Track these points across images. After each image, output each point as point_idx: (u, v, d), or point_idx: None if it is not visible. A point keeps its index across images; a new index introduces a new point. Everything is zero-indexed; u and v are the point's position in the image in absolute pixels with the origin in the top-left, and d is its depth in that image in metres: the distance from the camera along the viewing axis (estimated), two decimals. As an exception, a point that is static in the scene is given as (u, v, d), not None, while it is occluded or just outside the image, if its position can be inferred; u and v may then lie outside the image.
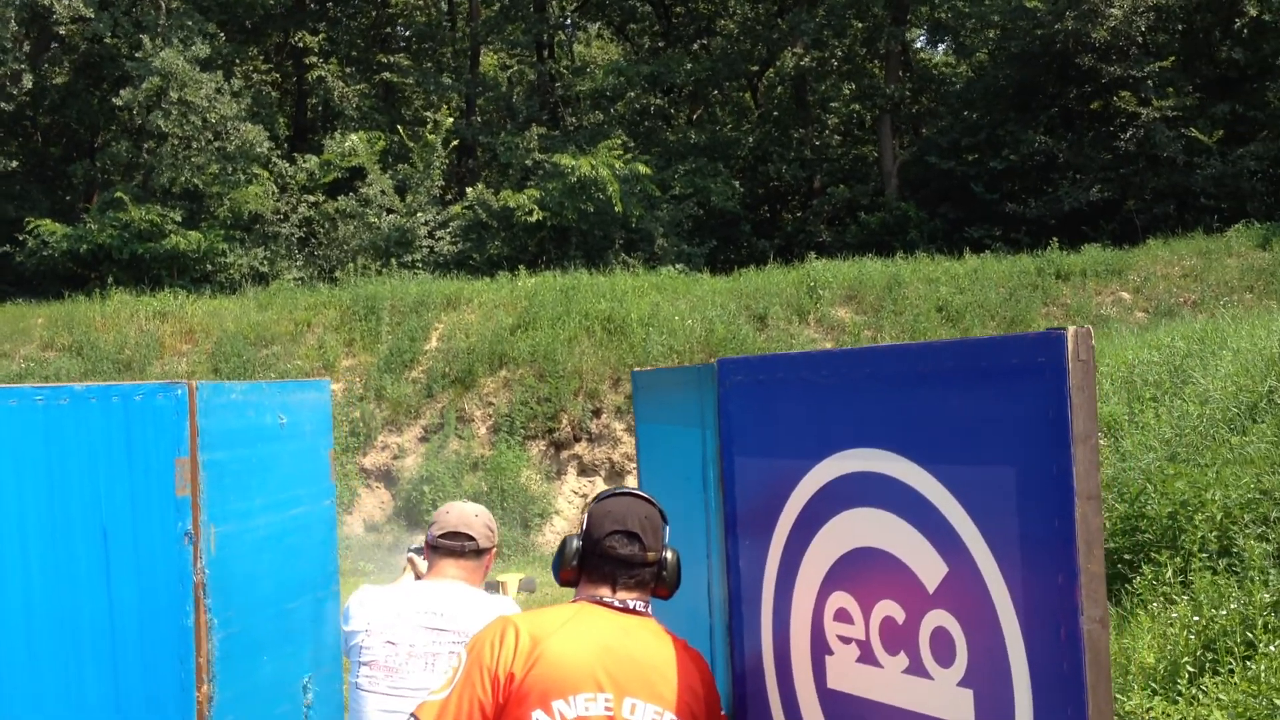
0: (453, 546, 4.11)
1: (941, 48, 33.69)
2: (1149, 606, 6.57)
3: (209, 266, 22.92)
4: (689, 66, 29.06)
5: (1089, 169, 25.81)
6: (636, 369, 4.51)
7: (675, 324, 19.20)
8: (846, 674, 2.55)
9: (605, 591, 2.93)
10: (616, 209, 23.52)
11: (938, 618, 2.32)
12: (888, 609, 2.44)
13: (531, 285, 21.29)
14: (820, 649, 2.62)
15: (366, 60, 30.36)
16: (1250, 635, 5.75)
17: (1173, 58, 25.57)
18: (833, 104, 31.94)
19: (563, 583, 3.04)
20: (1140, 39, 25.71)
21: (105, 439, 3.83)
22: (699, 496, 3.13)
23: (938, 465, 2.31)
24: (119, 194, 22.24)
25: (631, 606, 2.90)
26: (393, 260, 23.43)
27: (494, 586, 14.42)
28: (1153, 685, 5.84)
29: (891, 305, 20.09)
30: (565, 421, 18.78)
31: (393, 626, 4.01)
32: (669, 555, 2.98)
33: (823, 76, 30.68)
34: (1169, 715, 5.54)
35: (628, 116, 29.73)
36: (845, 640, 2.55)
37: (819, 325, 19.94)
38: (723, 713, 2.92)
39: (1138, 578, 6.89)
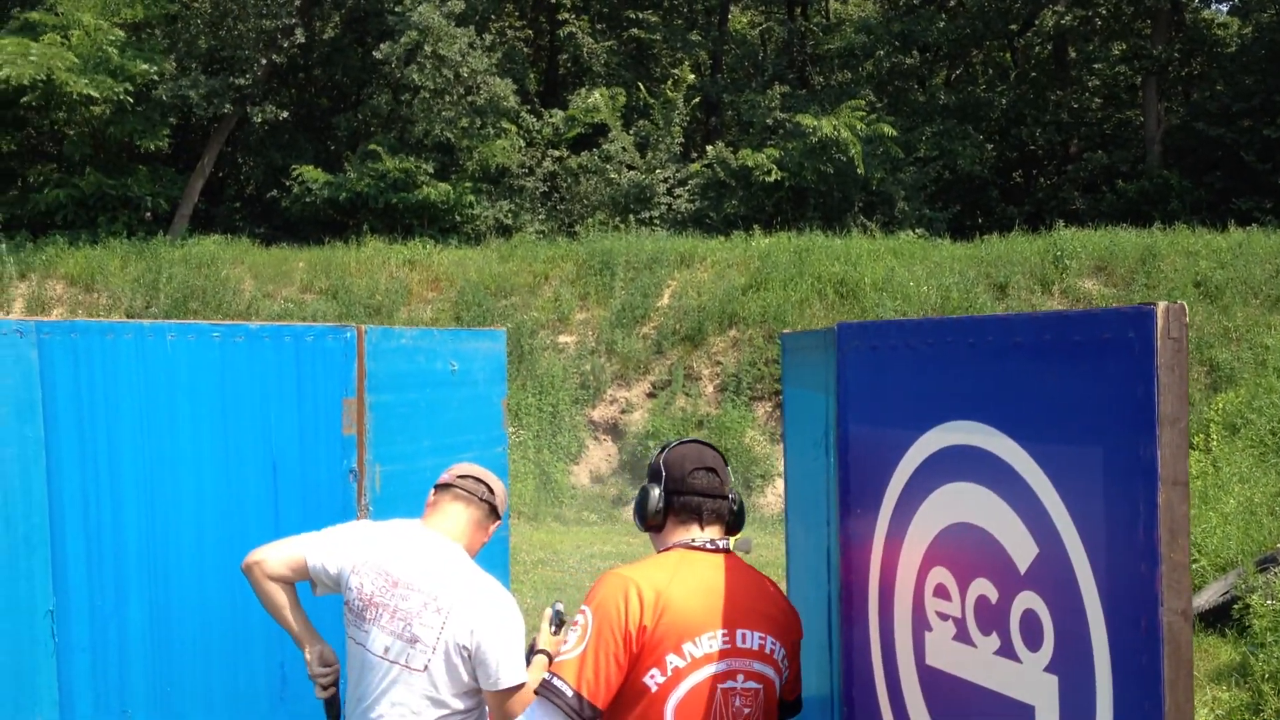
0: (470, 489, 3.66)
1: (1223, 6, 31.58)
2: None
3: (457, 217, 23.72)
4: (942, 25, 28.20)
5: (1375, 138, 23.85)
6: (786, 331, 4.38)
7: (909, 290, 18.78)
8: (944, 652, 2.48)
9: (694, 530, 3.12)
10: (859, 170, 23.12)
11: (1028, 599, 2.23)
12: (982, 587, 2.35)
13: (765, 245, 21.19)
14: (920, 625, 2.55)
15: (617, 16, 30.69)
16: None
17: None
18: (1095, 65, 30.43)
19: (647, 528, 3.22)
20: None
21: (277, 377, 4.04)
22: (823, 462, 3.08)
23: (1031, 441, 2.20)
24: (374, 145, 23.24)
25: (720, 546, 3.11)
26: (630, 216, 23.71)
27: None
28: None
29: (1144, 279, 19.09)
30: (792, 383, 18.65)
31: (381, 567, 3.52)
32: (737, 493, 3.21)
33: (1086, 36, 29.26)
34: None
35: (876, 76, 29.11)
36: (944, 617, 2.47)
37: (1063, 296, 19.14)
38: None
39: None
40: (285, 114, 23.98)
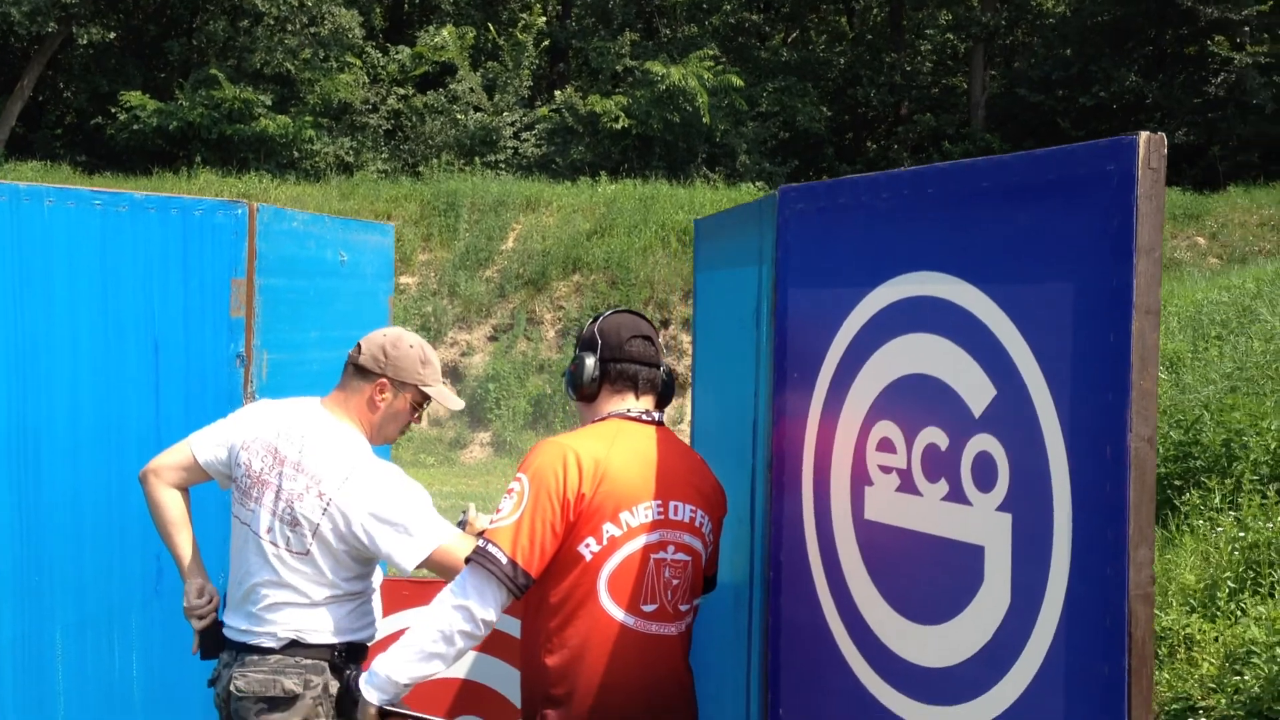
0: (349, 357, 3.38)
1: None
2: (1195, 529, 6.50)
3: (295, 153, 23.02)
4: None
5: (1177, 112, 25.16)
6: (698, 217, 4.34)
7: (753, 239, 19.01)
8: (885, 505, 2.49)
9: (630, 400, 3.08)
10: (704, 120, 23.25)
11: (981, 442, 2.25)
12: (931, 436, 2.37)
13: (611, 192, 21.16)
14: (860, 481, 2.56)
15: (466, -46, 30.17)
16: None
17: (1272, 1, 24.67)
18: (928, 30, 31.21)
19: (581, 399, 3.14)
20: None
21: (162, 251, 3.83)
22: (750, 336, 3.06)
23: (993, 285, 2.21)
24: (213, 71, 22.33)
25: (655, 418, 3.09)
26: (476, 159, 23.39)
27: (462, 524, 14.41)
28: (1191, 603, 5.76)
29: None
30: (635, 329, 18.71)
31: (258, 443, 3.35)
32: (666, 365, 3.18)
33: (918, 4, 29.98)
34: (1205, 632, 5.46)
35: (722, 30, 29.29)
36: (886, 470, 2.48)
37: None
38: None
39: (1185, 503, 6.80)
40: (113, 36, 22.86)
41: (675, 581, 2.96)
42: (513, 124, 24.38)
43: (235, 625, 3.26)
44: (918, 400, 2.41)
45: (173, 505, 3.33)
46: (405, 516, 3.17)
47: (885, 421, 2.50)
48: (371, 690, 2.87)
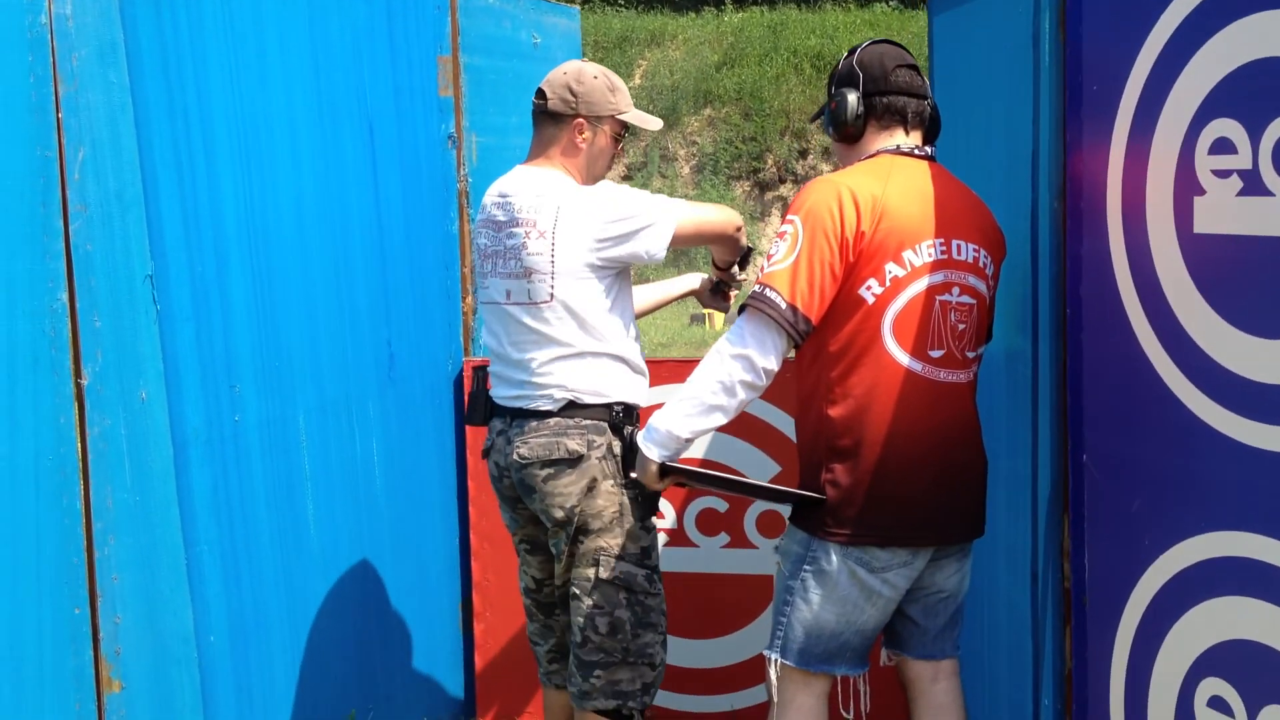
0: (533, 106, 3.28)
1: None
2: None
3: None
4: None
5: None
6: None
7: (889, 61, 18.38)
8: (1223, 213, 2.25)
9: (899, 135, 2.88)
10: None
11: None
12: (1286, 125, 2.11)
13: (738, 21, 20.61)
14: (1188, 190, 2.32)
15: None
16: None
17: None
18: None
19: (842, 139, 2.94)
20: None
21: (369, 29, 3.70)
22: (1026, 60, 2.81)
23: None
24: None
25: (928, 153, 2.89)
26: (595, -4, 22.89)
27: (699, 319, 14.31)
28: None
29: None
30: (770, 162, 18.40)
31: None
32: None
33: None
34: None
35: None
36: (1223, 174, 2.24)
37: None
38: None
39: None
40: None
41: (961, 326, 2.78)
42: (631, -43, 23.75)
43: (506, 394, 3.21)
44: (1267, 89, 2.15)
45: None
46: (631, 209, 3.09)
47: (1222, 120, 2.25)
48: (651, 446, 2.77)
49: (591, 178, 3.26)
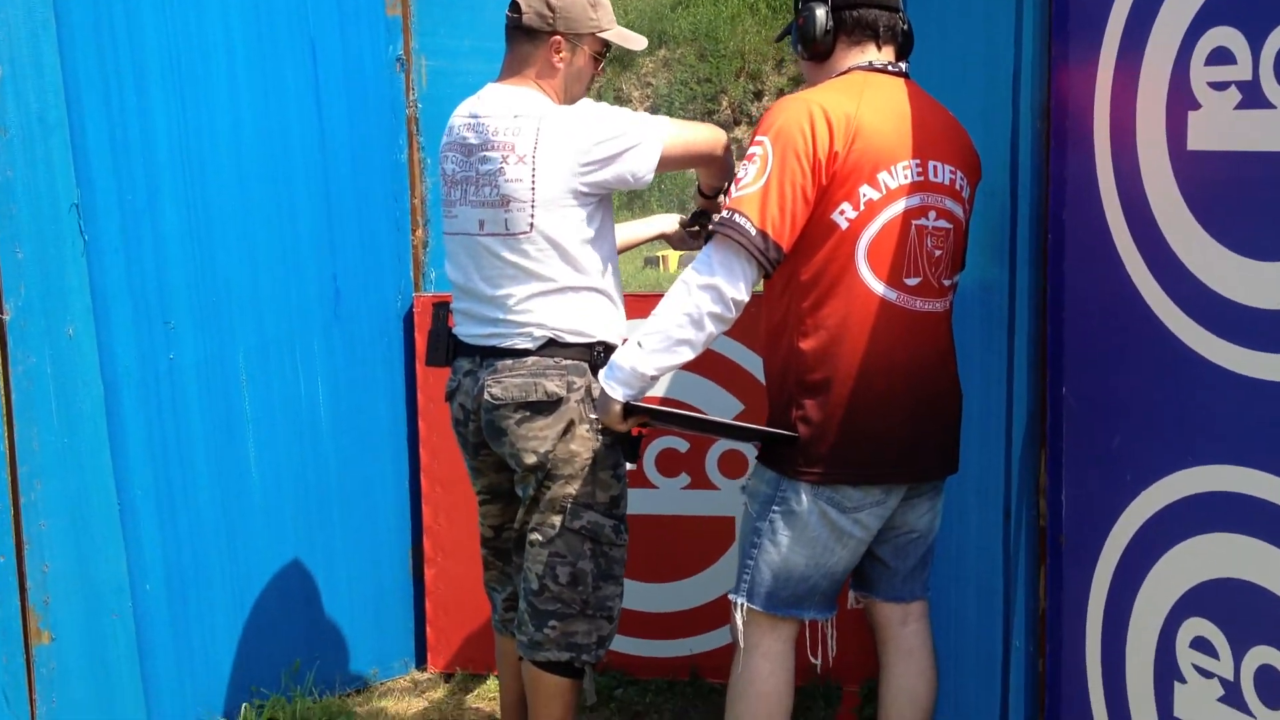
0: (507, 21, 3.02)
1: None
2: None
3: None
4: None
5: None
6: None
7: (846, 2, 18.20)
8: (1219, 128, 2.12)
9: (871, 51, 2.71)
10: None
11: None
12: (1289, 34, 1.98)
13: (694, -40, 20.27)
14: (1182, 106, 2.19)
15: None
16: None
17: None
18: None
19: (811, 57, 2.75)
20: None
21: (310, -60, 3.49)
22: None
23: None
24: None
25: (903, 70, 2.72)
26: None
27: (654, 262, 14.16)
28: None
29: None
30: (726, 104, 18.19)
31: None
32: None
33: None
34: None
35: None
36: (1220, 86, 2.11)
37: None
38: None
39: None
40: None
41: (937, 252, 2.64)
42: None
43: (476, 332, 2.97)
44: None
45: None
46: (617, 128, 2.86)
47: (1220, 28, 2.11)
48: (615, 385, 2.61)
49: (569, 100, 3.01)
